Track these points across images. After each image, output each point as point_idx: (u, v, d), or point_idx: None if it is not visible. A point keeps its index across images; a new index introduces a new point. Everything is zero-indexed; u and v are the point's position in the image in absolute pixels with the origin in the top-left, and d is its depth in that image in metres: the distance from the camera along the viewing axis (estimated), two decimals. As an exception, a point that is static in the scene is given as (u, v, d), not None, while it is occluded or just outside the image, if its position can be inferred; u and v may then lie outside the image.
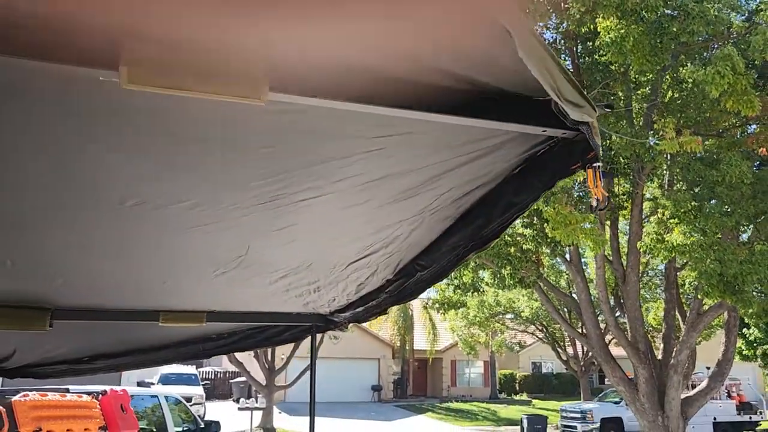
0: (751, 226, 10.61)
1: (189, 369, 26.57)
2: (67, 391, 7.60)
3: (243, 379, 25.71)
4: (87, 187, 1.91)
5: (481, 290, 17.94)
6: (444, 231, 2.29)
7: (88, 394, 7.71)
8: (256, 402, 21.75)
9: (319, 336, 4.69)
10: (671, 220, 9.57)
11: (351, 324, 3.82)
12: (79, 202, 1.99)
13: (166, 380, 24.25)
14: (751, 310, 9.90)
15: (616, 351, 14.77)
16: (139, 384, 24.08)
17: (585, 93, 1.41)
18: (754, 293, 9.77)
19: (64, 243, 2.37)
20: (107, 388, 8.23)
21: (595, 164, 1.50)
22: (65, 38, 1.21)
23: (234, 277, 3.00)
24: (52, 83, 1.35)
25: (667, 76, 11.17)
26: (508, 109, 1.54)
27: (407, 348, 35.45)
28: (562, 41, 11.55)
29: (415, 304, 34.03)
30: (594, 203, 1.54)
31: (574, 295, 16.89)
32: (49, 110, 1.47)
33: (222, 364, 34.20)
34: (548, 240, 11.67)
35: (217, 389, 33.17)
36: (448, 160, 1.83)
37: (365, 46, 1.36)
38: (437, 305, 18.72)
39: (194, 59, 1.30)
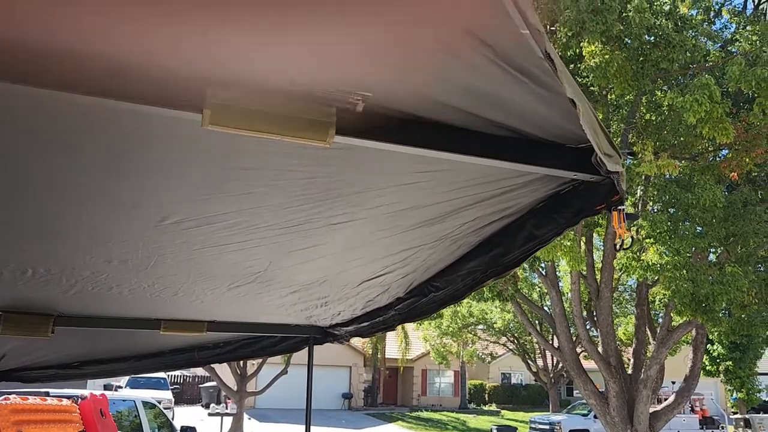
0: (722, 247, 10.99)
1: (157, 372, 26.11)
2: (47, 394, 7.52)
3: (212, 383, 25.45)
4: (128, 205, 2.00)
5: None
6: (462, 256, 2.42)
7: (68, 398, 7.64)
8: (226, 408, 21.57)
9: None
10: (647, 240, 9.88)
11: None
12: (121, 218, 2.08)
13: (134, 383, 23.86)
14: (720, 329, 10.25)
15: (587, 364, 15.08)
16: (106, 387, 23.63)
17: (615, 144, 1.56)
18: (722, 313, 10.13)
19: (92, 255, 2.43)
20: (86, 392, 8.17)
21: (620, 207, 1.65)
22: (149, 82, 1.32)
23: (247, 291, 3.08)
24: (129, 121, 1.46)
25: (644, 100, 11.54)
26: (542, 154, 1.68)
27: (379, 356, 35.49)
28: (546, 61, 11.80)
29: (388, 313, 34.02)
30: (618, 242, 1.68)
31: (546, 308, 17.20)
32: (118, 141, 1.57)
33: (191, 368, 33.75)
34: (527, 255, 11.89)
35: (186, 394, 32.74)
36: (475, 195, 1.97)
37: (423, 99, 1.49)
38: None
39: (269, 103, 1.41)
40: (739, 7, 13.78)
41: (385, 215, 2.11)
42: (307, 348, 4.44)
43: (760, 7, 13.45)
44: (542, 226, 1.99)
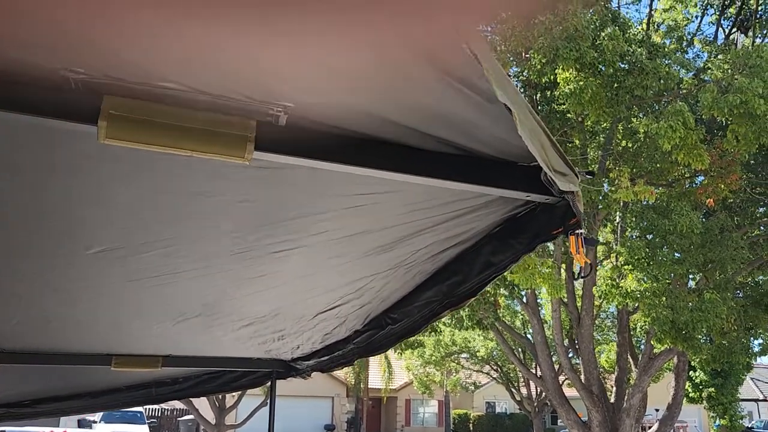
0: (700, 274, 10.96)
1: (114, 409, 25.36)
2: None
3: (191, 417, 24.77)
4: (55, 232, 1.83)
5: (439, 330, 17.92)
6: (418, 285, 2.27)
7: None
8: (204, 442, 20.95)
9: None
10: (625, 267, 9.80)
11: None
12: (47, 247, 1.90)
13: (109, 418, 23.14)
14: (701, 356, 10.14)
15: (569, 392, 14.87)
16: (80, 423, 22.84)
17: (569, 161, 1.43)
18: (702, 340, 10.04)
19: (27, 286, 2.25)
20: (47, 429, 7.81)
21: (577, 231, 1.51)
22: (45, 92, 1.17)
23: (196, 324, 2.90)
24: (32, 136, 1.30)
25: (620, 127, 11.60)
26: (493, 173, 1.54)
27: (362, 386, 34.93)
28: (523, 90, 11.89)
29: (371, 342, 33.64)
30: (577, 270, 1.54)
31: (528, 336, 17.02)
32: (24, 159, 1.40)
33: (150, 405, 32.88)
34: (506, 282, 11.77)
35: (164, 428, 31.86)
36: (427, 219, 1.82)
37: (355, 112, 1.35)
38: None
39: (176, 116, 1.26)
40: (710, 37, 14.03)
41: (332, 242, 1.96)
42: (286, 379, 4.24)
43: (731, 37, 13.71)
44: (499, 253, 1.85)
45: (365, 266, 2.16)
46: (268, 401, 4.26)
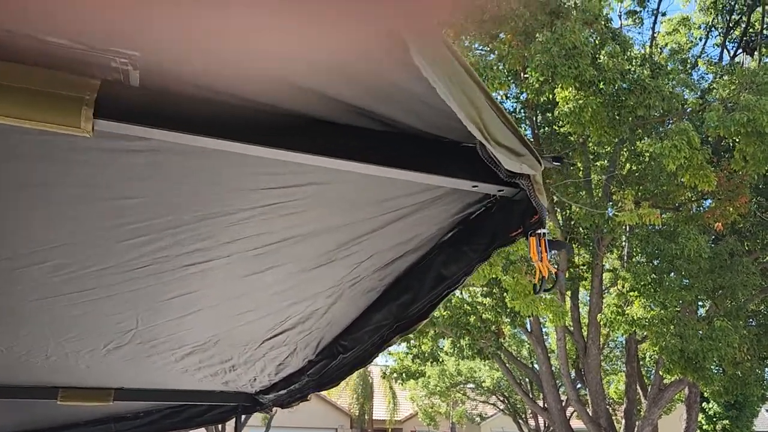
0: (709, 301, 10.50)
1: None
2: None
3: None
4: None
5: (440, 360, 17.42)
6: (368, 306, 1.92)
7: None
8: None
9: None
10: (631, 293, 9.37)
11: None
12: None
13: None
14: (713, 388, 9.63)
15: (576, 424, 14.27)
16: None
17: (528, 141, 1.10)
18: (714, 370, 9.53)
19: None
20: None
21: (539, 231, 1.17)
22: None
23: (132, 353, 2.56)
24: None
25: (624, 149, 11.26)
26: (432, 157, 1.21)
27: (366, 417, 34.13)
28: (522, 111, 11.62)
29: (375, 371, 33.07)
30: (538, 282, 1.20)
31: (535, 366, 16.46)
32: None
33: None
34: (508, 310, 11.34)
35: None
36: (366, 221, 1.49)
37: (255, 76, 1.03)
38: (395, 374, 18.05)
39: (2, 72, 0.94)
40: (715, 59, 13.78)
41: (254, 253, 1.62)
42: (252, 414, 3.87)
43: (736, 59, 13.45)
44: (451, 263, 1.50)
45: (303, 284, 1.82)
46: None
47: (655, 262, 9.98)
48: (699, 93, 11.46)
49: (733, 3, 13.51)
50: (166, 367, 2.90)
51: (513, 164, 1.02)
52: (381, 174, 1.17)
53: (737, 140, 8.76)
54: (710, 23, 13.90)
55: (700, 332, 8.86)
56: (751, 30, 13.49)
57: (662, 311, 8.92)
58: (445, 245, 1.53)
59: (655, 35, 13.54)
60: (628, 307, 9.58)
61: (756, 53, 12.64)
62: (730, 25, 13.75)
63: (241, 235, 1.53)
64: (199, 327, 2.21)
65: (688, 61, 13.56)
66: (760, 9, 12.96)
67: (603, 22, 9.13)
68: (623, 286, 9.56)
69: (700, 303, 11.28)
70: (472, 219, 1.43)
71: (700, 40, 14.22)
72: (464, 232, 1.46)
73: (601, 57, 8.46)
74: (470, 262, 1.43)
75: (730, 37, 13.92)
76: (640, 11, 13.63)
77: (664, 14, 17.51)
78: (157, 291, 1.83)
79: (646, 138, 10.01)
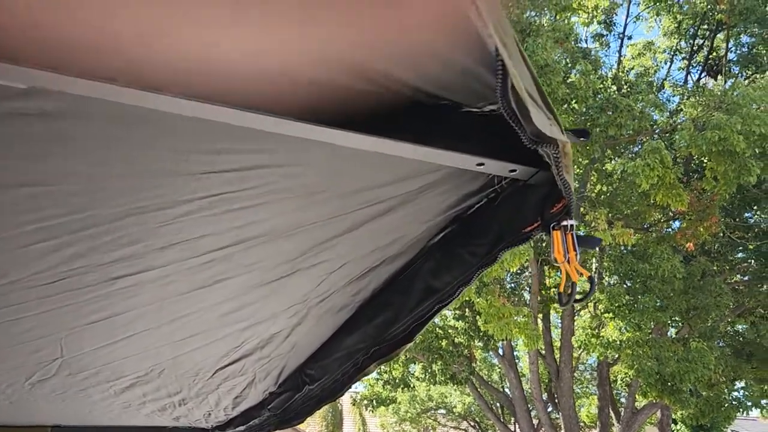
0: (682, 321, 10.40)
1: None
2: None
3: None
4: None
5: (412, 386, 17.04)
6: (338, 328, 1.61)
7: None
8: None
9: None
10: (605, 315, 9.20)
11: None
12: None
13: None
14: (689, 411, 9.47)
15: (551, 451, 13.97)
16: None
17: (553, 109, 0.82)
18: (689, 393, 9.38)
19: None
20: None
21: (565, 222, 0.89)
22: None
23: (62, 386, 2.19)
24: None
25: (594, 170, 11.21)
26: (433, 130, 0.92)
27: (334, 446, 33.31)
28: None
29: (345, 398, 32.42)
30: (564, 291, 0.91)
31: (507, 390, 16.18)
32: None
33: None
34: (481, 333, 11.07)
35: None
36: (336, 219, 1.19)
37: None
38: (366, 401, 17.58)
39: None
40: (680, 82, 13.96)
41: (199, 262, 1.31)
42: None
43: (701, 81, 13.65)
44: (443, 271, 1.21)
45: (260, 301, 1.50)
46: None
47: (629, 283, 9.85)
48: (667, 113, 11.53)
49: (695, 28, 13.75)
50: (105, 402, 2.53)
51: (540, 118, 0.74)
52: (360, 146, 0.88)
53: (707, 160, 8.74)
54: (674, 47, 14.10)
55: (676, 354, 8.71)
56: (713, 54, 13.72)
57: (637, 333, 8.76)
58: (435, 249, 1.24)
59: (622, 58, 13.66)
60: (603, 330, 9.40)
61: (720, 76, 12.84)
62: (694, 49, 13.98)
63: (178, 237, 1.21)
64: (136, 355, 1.87)
65: (654, 84, 13.70)
66: (722, 34, 13.20)
67: (573, 41, 9.09)
68: (597, 308, 9.39)
69: (671, 324, 11.19)
70: (470, 215, 1.15)
71: (665, 63, 14.42)
72: (460, 232, 1.17)
73: (573, 76, 8.38)
74: (469, 268, 1.14)
75: (694, 60, 14.15)
76: (607, 35, 13.76)
77: (630, 38, 17.79)
78: (78, 312, 1.49)
79: (616, 158, 9.96)
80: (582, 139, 0.95)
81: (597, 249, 11.62)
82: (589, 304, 12.17)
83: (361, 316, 1.50)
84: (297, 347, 1.75)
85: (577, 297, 0.94)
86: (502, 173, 0.93)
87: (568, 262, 0.89)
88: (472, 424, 30.95)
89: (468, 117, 0.90)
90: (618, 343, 9.00)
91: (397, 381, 15.20)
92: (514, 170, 0.91)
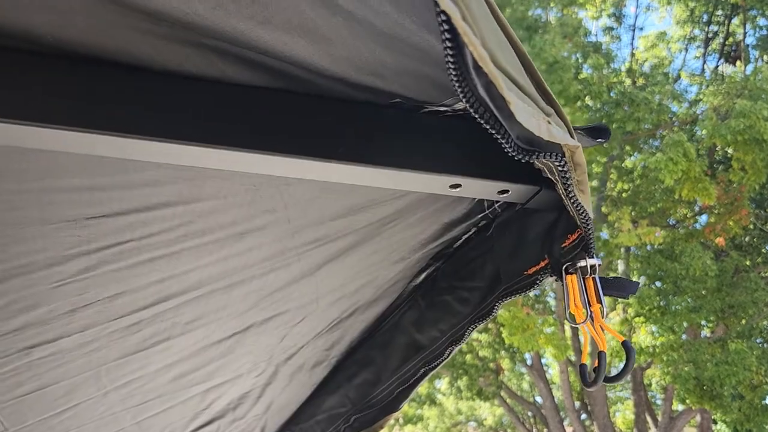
0: (718, 322, 9.91)
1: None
2: None
3: None
4: None
5: (437, 402, 16.65)
6: (317, 386, 1.33)
7: None
8: None
9: None
10: (636, 319, 8.78)
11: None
12: None
13: None
14: (732, 416, 8.97)
15: (588, 462, 13.47)
16: None
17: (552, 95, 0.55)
18: (731, 397, 8.88)
19: None
20: None
21: (583, 263, 0.60)
22: None
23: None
24: None
25: (613, 168, 10.81)
26: (381, 144, 0.64)
27: (366, 464, 32.92)
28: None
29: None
30: (588, 363, 0.62)
31: (538, 399, 15.69)
32: None
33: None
34: (506, 345, 10.69)
35: None
36: (279, 262, 0.91)
37: None
38: (392, 421, 17.24)
39: None
40: (696, 71, 13.51)
41: (125, 324, 1.04)
42: None
43: (718, 68, 13.19)
44: (428, 324, 0.92)
45: (216, 361, 1.23)
46: None
47: (658, 284, 9.41)
48: (687, 104, 11.12)
49: (709, 15, 13.31)
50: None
51: (529, 114, 0.46)
52: (273, 171, 0.60)
53: (732, 150, 8.33)
54: (688, 36, 13.67)
55: (714, 357, 8.25)
56: (730, 40, 13.27)
57: (671, 337, 8.32)
58: (417, 294, 0.96)
59: (634, 51, 13.27)
60: (634, 334, 8.98)
61: (738, 62, 12.39)
62: (709, 36, 13.53)
63: (85, 299, 0.94)
64: (92, 422, 1.60)
65: (670, 75, 13.27)
66: (737, 18, 12.76)
67: (582, 35, 8.77)
68: (626, 312, 8.98)
69: (706, 324, 10.70)
70: (456, 250, 0.86)
71: (680, 53, 13.99)
72: (445, 272, 0.89)
73: (584, 72, 8.05)
74: (459, 320, 0.85)
75: (709, 48, 13.69)
76: (617, 28, 13.38)
77: (641, 29, 17.39)
78: (1, 385, 1.24)
79: (636, 154, 9.57)
80: (599, 140, 0.66)
81: (622, 250, 11.21)
82: (617, 306, 11.73)
83: (339, 374, 1.22)
84: (274, 407, 1.47)
85: (608, 375, 0.65)
86: (489, 196, 0.65)
87: (592, 320, 0.60)
88: (505, 434, 30.25)
89: (432, 120, 0.62)
90: (651, 348, 8.57)
91: (422, 398, 14.82)
92: (505, 191, 0.63)
